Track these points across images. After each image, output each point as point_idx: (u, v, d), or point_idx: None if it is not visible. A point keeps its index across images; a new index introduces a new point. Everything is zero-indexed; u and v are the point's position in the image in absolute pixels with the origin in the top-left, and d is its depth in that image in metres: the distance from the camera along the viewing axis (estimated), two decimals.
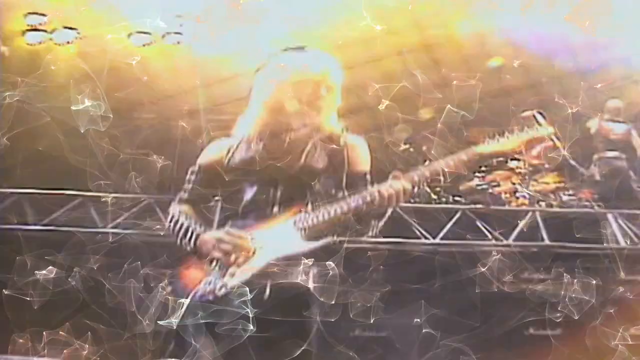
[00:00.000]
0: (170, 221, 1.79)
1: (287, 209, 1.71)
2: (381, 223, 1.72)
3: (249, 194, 1.74)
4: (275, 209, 1.72)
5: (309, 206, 1.69)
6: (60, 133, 2.64)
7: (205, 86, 3.73)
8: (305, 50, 1.87)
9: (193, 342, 1.63)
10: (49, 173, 3.42)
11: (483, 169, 4.58)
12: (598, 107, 4.22)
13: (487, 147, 1.75)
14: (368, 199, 1.65)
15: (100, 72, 2.77)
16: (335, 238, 1.66)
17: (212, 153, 1.87)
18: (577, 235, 4.08)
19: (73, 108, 2.47)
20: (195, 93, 3.72)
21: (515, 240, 4.27)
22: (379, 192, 1.63)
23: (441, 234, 4.20)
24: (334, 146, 1.77)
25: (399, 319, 3.05)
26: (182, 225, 1.76)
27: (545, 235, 4.31)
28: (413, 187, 1.68)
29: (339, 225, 1.66)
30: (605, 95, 4.20)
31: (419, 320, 2.94)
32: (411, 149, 4.42)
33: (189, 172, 1.87)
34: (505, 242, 4.24)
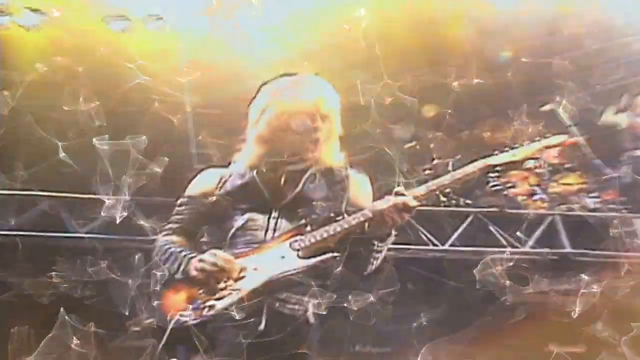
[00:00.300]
0: (159, 251, 1.79)
1: (283, 234, 1.72)
2: (386, 245, 1.72)
3: (240, 221, 1.75)
4: (270, 234, 1.74)
5: (308, 228, 1.70)
6: (52, 134, 2.64)
7: (203, 86, 3.80)
8: (296, 77, 1.85)
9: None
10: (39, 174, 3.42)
11: (498, 168, 4.49)
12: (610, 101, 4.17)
13: (498, 158, 1.76)
14: (369, 215, 1.64)
15: (92, 70, 2.97)
16: (333, 254, 1.67)
17: (202, 184, 1.88)
18: (601, 241, 4.03)
19: (65, 108, 2.62)
20: (195, 91, 3.79)
21: (532, 247, 4.20)
22: (374, 209, 1.62)
23: (450, 240, 4.15)
24: (335, 179, 1.77)
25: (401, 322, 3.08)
26: (172, 253, 1.76)
27: (566, 242, 4.26)
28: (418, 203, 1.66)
29: (339, 243, 1.67)
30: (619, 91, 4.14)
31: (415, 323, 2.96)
32: (417, 147, 4.33)
33: (178, 203, 1.88)
34: (521, 248, 4.15)
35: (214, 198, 1.79)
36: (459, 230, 4.24)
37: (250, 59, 3.50)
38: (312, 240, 1.67)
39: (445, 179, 1.73)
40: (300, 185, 1.77)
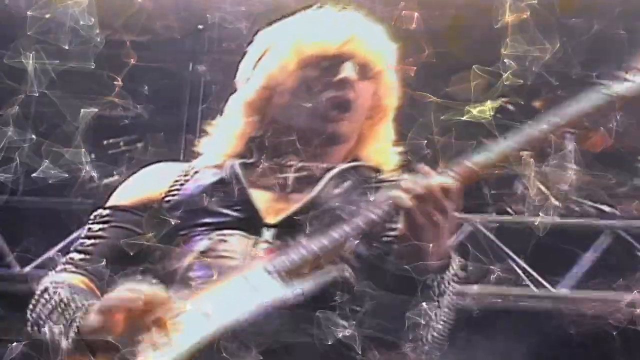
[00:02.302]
0: (38, 299, 1.61)
1: (257, 256, 1.60)
2: (453, 281, 1.49)
3: (203, 244, 1.62)
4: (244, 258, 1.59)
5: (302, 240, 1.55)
6: None
7: None
8: (318, 10, 1.71)
9: None
10: None
11: None
12: None
13: (612, 88, 1.43)
14: (381, 213, 1.47)
15: None
16: (340, 273, 1.50)
17: (145, 185, 1.74)
18: None
19: None
20: None
21: None
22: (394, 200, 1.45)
23: (567, 279, 3.65)
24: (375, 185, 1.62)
25: None
26: (59, 301, 1.57)
27: None
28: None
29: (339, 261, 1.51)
30: None
31: None
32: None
33: (92, 218, 1.72)
34: None
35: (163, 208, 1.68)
36: (582, 261, 3.66)
37: None
38: (303, 253, 1.50)
39: (518, 140, 1.44)
40: (319, 187, 1.63)
